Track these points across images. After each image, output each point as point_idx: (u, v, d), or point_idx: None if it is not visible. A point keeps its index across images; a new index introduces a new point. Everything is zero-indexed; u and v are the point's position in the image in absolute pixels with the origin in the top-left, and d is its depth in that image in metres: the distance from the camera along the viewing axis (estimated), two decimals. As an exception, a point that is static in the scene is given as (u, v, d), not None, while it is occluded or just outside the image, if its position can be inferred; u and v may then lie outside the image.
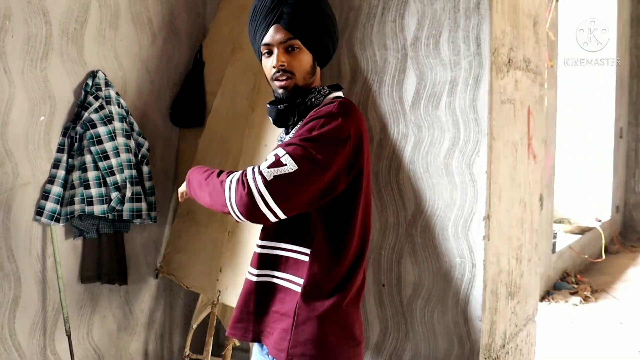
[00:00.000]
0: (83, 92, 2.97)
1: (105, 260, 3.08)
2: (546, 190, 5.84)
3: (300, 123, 1.89)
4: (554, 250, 6.53)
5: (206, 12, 3.64)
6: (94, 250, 3.06)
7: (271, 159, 1.73)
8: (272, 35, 1.85)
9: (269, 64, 1.88)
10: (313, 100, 1.91)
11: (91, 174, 2.91)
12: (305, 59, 1.88)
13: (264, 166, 1.71)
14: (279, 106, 1.90)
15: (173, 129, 3.53)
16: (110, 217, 2.98)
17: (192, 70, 3.49)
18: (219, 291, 2.98)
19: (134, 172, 3.05)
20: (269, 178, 1.68)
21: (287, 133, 1.95)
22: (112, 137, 2.96)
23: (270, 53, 1.88)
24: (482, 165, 2.69)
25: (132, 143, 3.08)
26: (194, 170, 1.99)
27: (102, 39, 3.08)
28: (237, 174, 1.76)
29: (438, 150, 2.80)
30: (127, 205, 3.02)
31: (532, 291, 3.39)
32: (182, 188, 2.10)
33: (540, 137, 3.39)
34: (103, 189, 2.94)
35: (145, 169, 3.16)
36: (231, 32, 3.35)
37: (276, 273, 1.91)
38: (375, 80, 2.96)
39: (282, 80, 1.87)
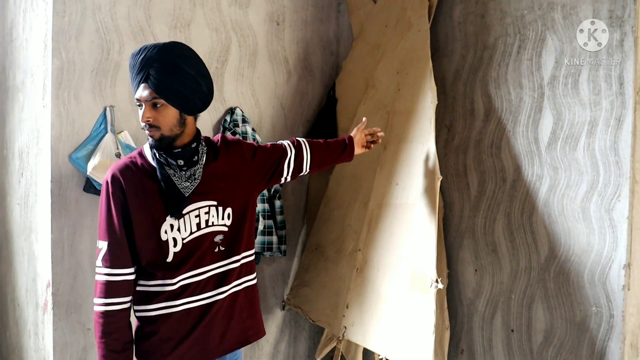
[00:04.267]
0: (222, 128, 3.10)
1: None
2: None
3: (202, 162, 2.26)
4: (700, 299, 6.05)
5: (339, 50, 3.72)
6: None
7: None
8: (140, 92, 2.13)
9: (139, 117, 2.15)
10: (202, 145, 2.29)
11: (226, 207, 3.02)
12: (170, 113, 2.14)
13: None
14: (174, 151, 2.20)
15: (305, 165, 3.60)
16: (242, 249, 3.07)
17: (325, 106, 3.56)
18: (345, 327, 2.99)
19: (266, 205, 3.14)
20: None
21: (189, 167, 2.23)
22: (247, 171, 3.06)
23: (141, 106, 2.15)
24: (623, 211, 2.55)
25: (265, 178, 3.18)
26: None
27: (240, 77, 3.22)
28: None
29: (575, 193, 2.69)
30: (259, 238, 3.11)
31: (677, 345, 3.16)
32: None
33: (688, 180, 3.18)
34: (237, 222, 3.04)
35: (277, 203, 3.24)
36: (364, 70, 3.39)
37: None
38: (510, 119, 2.90)
39: (149, 131, 2.15)
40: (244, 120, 3.15)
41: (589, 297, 2.65)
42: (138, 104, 2.15)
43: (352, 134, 2.78)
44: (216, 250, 2.30)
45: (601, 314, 2.61)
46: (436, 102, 2.89)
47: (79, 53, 2.72)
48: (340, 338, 3.04)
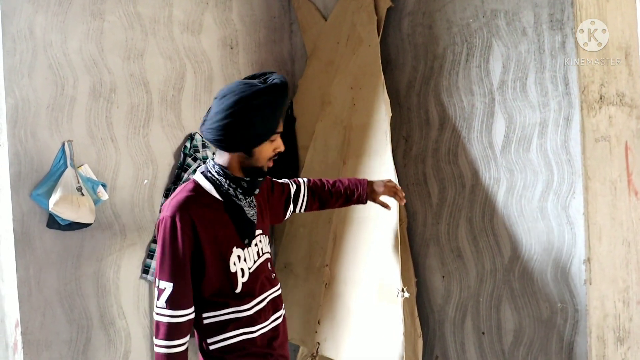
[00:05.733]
0: (182, 155, 3.11)
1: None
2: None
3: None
4: (670, 287, 6.14)
5: (295, 69, 3.76)
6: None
7: None
8: (281, 124, 2.23)
9: (273, 148, 2.25)
10: None
11: (192, 233, 3.02)
12: None
13: None
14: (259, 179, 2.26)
15: (268, 184, 3.63)
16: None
17: (284, 126, 3.58)
18: (318, 343, 3.01)
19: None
20: None
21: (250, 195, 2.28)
22: (210, 196, 3.08)
23: (273, 139, 2.23)
24: (578, 207, 2.62)
25: (229, 200, 3.19)
26: None
27: (197, 103, 3.24)
28: None
29: (532, 194, 2.74)
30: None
31: (645, 334, 3.22)
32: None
33: (641, 173, 3.25)
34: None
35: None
36: (319, 88, 3.43)
37: None
38: (464, 126, 2.95)
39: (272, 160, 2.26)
40: (204, 145, 3.17)
41: (553, 294, 2.70)
42: (275, 137, 2.24)
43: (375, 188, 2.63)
44: (271, 276, 2.36)
45: (566, 310, 2.66)
46: (390, 114, 2.94)
47: (32, 90, 2.72)
48: (314, 354, 3.06)
